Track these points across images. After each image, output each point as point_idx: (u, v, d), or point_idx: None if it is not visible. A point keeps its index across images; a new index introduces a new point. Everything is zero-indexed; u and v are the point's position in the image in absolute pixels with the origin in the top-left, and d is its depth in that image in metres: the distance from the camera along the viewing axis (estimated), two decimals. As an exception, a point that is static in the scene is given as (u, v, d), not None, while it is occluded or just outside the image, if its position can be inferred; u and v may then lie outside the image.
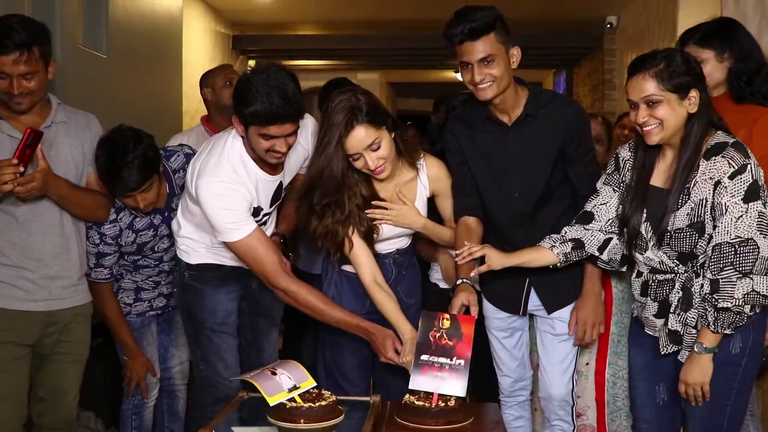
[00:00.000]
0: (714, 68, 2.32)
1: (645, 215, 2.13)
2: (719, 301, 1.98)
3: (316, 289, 2.42)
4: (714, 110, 2.09)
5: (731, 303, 1.97)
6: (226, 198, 2.29)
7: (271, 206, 2.49)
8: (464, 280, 2.30)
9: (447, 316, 2.13)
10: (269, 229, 2.56)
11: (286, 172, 2.48)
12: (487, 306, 2.57)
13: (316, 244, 2.43)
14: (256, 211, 2.41)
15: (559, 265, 2.32)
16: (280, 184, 2.48)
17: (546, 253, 2.30)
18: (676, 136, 2.07)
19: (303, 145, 2.47)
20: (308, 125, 2.48)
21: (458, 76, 9.81)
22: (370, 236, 2.40)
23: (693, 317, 2.07)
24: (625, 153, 2.25)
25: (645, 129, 2.08)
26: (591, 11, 6.84)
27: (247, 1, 6.54)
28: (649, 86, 2.04)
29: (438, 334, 2.10)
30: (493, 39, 2.25)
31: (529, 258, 2.32)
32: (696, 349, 2.04)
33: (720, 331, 2.00)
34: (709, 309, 2.02)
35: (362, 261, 2.40)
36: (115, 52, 4.08)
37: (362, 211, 2.38)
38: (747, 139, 2.27)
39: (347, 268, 2.49)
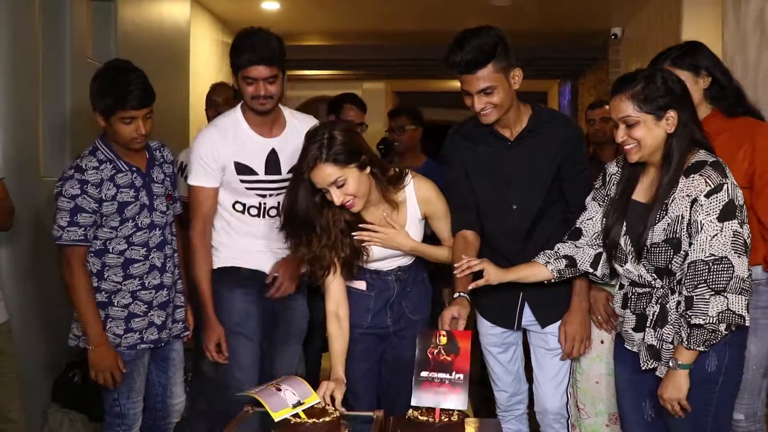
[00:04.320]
0: (690, 89, 2.30)
1: (625, 228, 2.16)
2: (692, 317, 2.00)
3: (210, 260, 2.67)
4: (699, 129, 2.11)
5: (704, 320, 1.98)
6: (201, 146, 2.62)
7: (267, 173, 2.62)
8: (461, 293, 2.32)
9: (443, 332, 2.15)
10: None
11: (285, 149, 2.62)
12: (482, 322, 2.61)
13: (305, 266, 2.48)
14: (243, 169, 2.60)
15: (553, 280, 2.35)
16: (275, 153, 2.62)
17: (541, 269, 2.34)
18: (657, 154, 2.11)
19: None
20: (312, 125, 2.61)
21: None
22: (349, 262, 2.43)
23: (669, 333, 2.09)
24: (612, 168, 2.29)
25: (625, 148, 2.13)
26: (596, 22, 6.87)
27: (254, 13, 6.58)
28: (626, 107, 2.08)
29: (436, 351, 2.12)
30: (491, 70, 2.25)
31: (526, 274, 2.35)
32: (671, 365, 2.07)
33: (693, 347, 2.02)
34: (683, 325, 2.04)
35: (332, 289, 2.43)
36: (123, 64, 4.12)
37: (345, 237, 2.39)
38: (750, 153, 2.30)
39: (351, 284, 2.51)
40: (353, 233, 2.41)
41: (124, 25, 4.29)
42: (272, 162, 2.64)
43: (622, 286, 2.25)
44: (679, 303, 2.06)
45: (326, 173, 2.26)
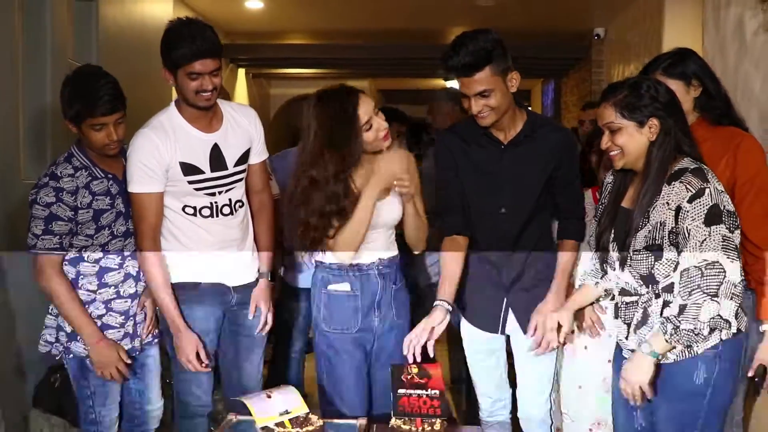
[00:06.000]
0: (681, 98, 2.32)
1: (613, 235, 2.19)
2: (683, 322, 2.01)
3: (166, 269, 2.53)
4: (687, 138, 2.12)
5: (694, 325, 2.00)
6: (140, 150, 2.46)
7: (213, 170, 2.53)
8: (440, 302, 2.38)
9: (414, 365, 2.23)
10: (233, 195, 2.60)
11: (226, 143, 2.56)
12: (466, 328, 2.62)
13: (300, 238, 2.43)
14: (189, 169, 2.49)
15: (601, 300, 2.40)
16: (218, 148, 2.54)
17: (591, 290, 2.36)
18: (640, 162, 2.13)
19: (245, 127, 2.62)
20: (252, 113, 2.69)
21: (447, 84, 9.80)
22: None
23: (645, 333, 2.11)
24: (608, 178, 2.32)
25: (609, 154, 2.17)
26: (579, 23, 6.91)
27: (238, 11, 6.56)
28: (609, 114, 2.12)
29: (409, 376, 2.19)
30: (489, 73, 2.28)
31: (581, 300, 2.39)
32: (642, 349, 2.07)
33: (673, 342, 2.03)
34: (669, 323, 2.03)
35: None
36: (105, 65, 4.06)
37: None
38: (732, 163, 2.32)
39: (334, 287, 2.50)
40: (396, 182, 2.41)
41: (106, 25, 4.25)
42: (216, 158, 2.53)
43: (613, 297, 2.27)
44: (663, 308, 2.07)
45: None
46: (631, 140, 2.10)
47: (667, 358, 2.08)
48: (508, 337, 2.61)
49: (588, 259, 2.40)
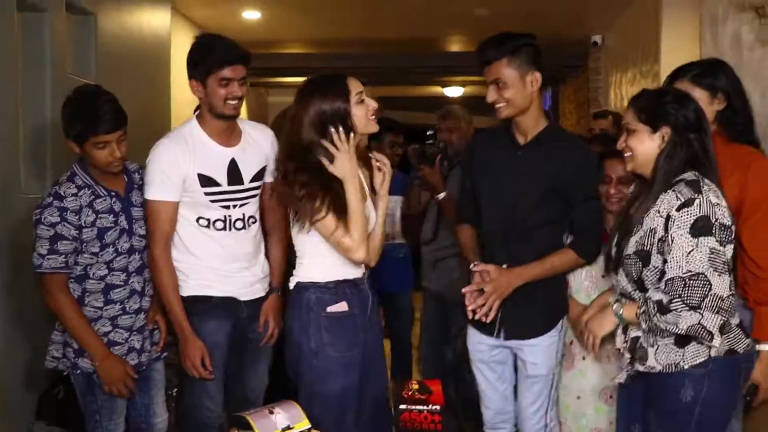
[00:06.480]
0: (703, 108, 2.30)
1: (617, 239, 2.22)
2: (660, 322, 2.03)
3: (175, 276, 2.57)
4: (705, 157, 2.11)
5: (668, 328, 2.02)
6: (160, 159, 2.54)
7: (230, 184, 2.59)
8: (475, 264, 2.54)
9: (415, 382, 2.28)
10: (247, 210, 2.65)
11: (244, 159, 2.61)
12: (471, 336, 2.64)
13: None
14: (207, 181, 2.56)
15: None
16: (235, 162, 2.59)
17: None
18: (649, 168, 2.15)
19: (262, 145, 2.67)
20: (269, 133, 2.75)
21: (444, 91, 9.81)
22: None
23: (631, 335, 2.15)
24: (631, 187, 2.35)
25: (624, 155, 2.20)
26: (576, 30, 6.93)
27: (235, 21, 6.58)
28: (629, 115, 2.18)
29: (410, 392, 2.23)
30: (505, 64, 2.44)
31: (608, 298, 2.38)
32: (615, 307, 2.16)
33: (639, 320, 2.09)
34: (646, 305, 2.07)
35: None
36: (104, 78, 4.09)
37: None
38: (742, 182, 2.31)
39: (333, 309, 2.43)
40: (373, 155, 2.49)
41: (105, 39, 4.26)
42: (233, 172, 2.61)
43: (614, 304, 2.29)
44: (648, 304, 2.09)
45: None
46: (640, 144, 2.14)
47: (653, 367, 2.10)
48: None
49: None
